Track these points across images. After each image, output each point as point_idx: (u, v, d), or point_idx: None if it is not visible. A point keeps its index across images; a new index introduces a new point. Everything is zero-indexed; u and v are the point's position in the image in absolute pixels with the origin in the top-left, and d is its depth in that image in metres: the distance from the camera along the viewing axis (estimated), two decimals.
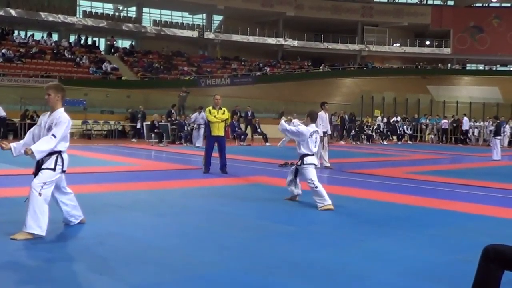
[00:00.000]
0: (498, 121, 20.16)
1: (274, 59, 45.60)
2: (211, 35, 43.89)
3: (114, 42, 39.51)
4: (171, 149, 18.89)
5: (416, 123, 31.51)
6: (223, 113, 11.76)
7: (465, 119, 29.19)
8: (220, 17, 47.25)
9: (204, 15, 46.17)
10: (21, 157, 5.63)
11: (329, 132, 14.61)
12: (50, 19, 36.67)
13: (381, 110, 33.97)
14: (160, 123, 21.42)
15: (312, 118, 8.20)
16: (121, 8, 43.75)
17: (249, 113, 25.46)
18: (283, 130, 7.99)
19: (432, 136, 30.82)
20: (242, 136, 23.23)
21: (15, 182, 8.92)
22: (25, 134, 5.99)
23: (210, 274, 4.39)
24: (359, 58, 48.26)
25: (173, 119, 22.73)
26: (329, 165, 13.54)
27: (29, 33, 37.14)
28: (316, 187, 7.53)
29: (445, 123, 29.99)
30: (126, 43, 42.21)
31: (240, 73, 40.10)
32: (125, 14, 43.36)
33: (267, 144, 22.31)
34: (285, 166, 12.84)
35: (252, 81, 38.54)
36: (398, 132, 29.45)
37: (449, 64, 49.42)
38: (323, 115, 13.84)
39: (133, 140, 23.10)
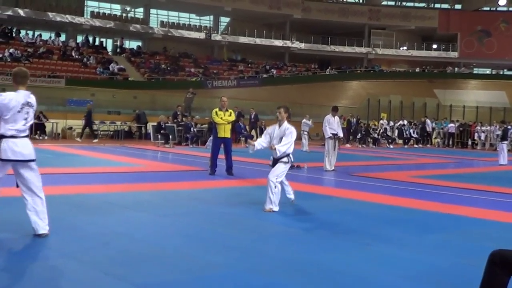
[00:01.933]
0: (505, 126, 20.13)
1: (280, 61, 45.60)
2: (218, 37, 43.94)
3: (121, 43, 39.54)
4: (177, 150, 18.92)
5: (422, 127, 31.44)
6: (230, 115, 11.77)
7: (428, 121, 30.22)
8: (227, 19, 47.29)
9: (211, 16, 46.22)
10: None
11: (341, 134, 14.53)
12: (58, 19, 36.78)
13: (387, 113, 33.89)
14: (166, 124, 21.46)
15: (289, 112, 8.28)
16: (128, 9, 43.86)
17: (253, 116, 25.30)
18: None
19: (439, 140, 30.76)
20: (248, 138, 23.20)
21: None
22: (32, 134, 5.75)
23: (214, 274, 4.40)
24: (366, 61, 48.14)
25: (179, 120, 22.72)
26: (333, 168, 13.54)
27: (36, 33, 37.23)
28: (276, 187, 7.47)
29: (451, 127, 29.96)
30: (133, 44, 42.30)
31: (246, 75, 40.11)
32: (133, 15, 43.48)
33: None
34: (291, 168, 12.80)
35: (259, 83, 38.50)
36: (405, 136, 29.39)
37: (456, 68, 49.23)
38: (330, 119, 13.84)
39: (79, 139, 22.02)
